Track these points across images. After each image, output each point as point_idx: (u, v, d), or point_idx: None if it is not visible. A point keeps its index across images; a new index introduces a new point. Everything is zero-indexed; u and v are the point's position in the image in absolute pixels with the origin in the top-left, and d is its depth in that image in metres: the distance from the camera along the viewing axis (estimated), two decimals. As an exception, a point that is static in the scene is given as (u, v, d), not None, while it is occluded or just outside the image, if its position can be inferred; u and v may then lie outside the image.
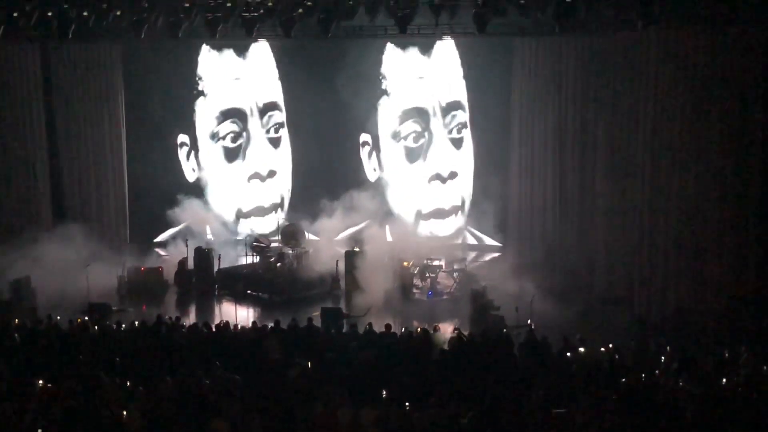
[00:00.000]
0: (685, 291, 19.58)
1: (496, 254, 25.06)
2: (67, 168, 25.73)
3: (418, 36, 22.41)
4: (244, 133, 26.44)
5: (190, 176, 26.62)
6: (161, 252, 25.69)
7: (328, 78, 24.19)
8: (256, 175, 26.59)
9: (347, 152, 25.77)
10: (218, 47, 25.83)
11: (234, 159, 26.56)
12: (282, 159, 26.71)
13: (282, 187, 26.84)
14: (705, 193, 19.29)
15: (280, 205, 26.76)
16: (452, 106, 25.35)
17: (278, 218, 25.78)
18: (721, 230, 19.18)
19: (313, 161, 25.65)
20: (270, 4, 18.85)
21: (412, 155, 25.78)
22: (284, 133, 26.57)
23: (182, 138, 26.47)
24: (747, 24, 18.16)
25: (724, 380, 13.37)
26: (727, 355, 14.93)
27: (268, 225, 26.13)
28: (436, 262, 22.10)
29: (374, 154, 26.06)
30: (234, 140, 26.42)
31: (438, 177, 25.64)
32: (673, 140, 19.64)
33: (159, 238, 26.19)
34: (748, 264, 19.07)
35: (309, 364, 14.24)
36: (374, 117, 25.65)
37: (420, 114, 25.56)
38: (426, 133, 25.58)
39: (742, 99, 18.73)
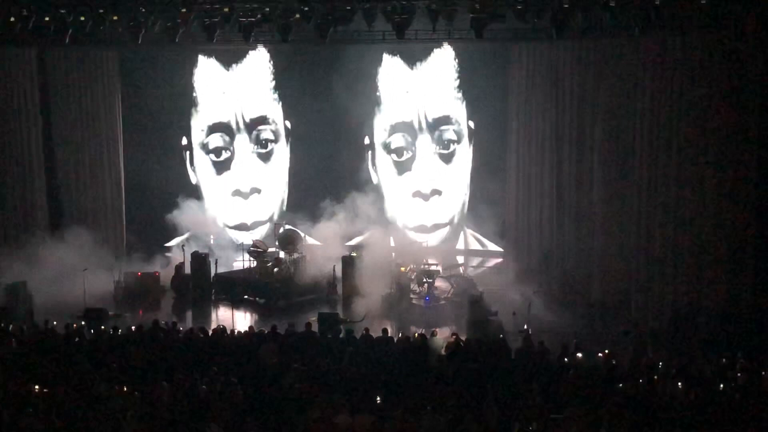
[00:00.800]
0: (683, 297, 19.59)
1: (494, 260, 25.06)
2: (64, 172, 25.69)
3: (416, 41, 22.35)
4: (231, 148, 26.41)
5: (193, 179, 26.68)
6: (168, 254, 25.58)
7: (326, 83, 24.18)
8: (237, 192, 26.46)
9: (345, 157, 25.68)
10: (214, 57, 25.81)
11: (222, 172, 26.50)
12: (272, 174, 26.56)
13: (270, 203, 26.69)
14: (702, 198, 19.32)
15: (268, 221, 26.59)
16: (442, 121, 25.27)
17: (252, 236, 25.52)
18: (718, 236, 19.19)
19: (310, 166, 25.57)
20: (267, 9, 18.85)
21: (401, 168, 25.76)
22: (276, 147, 26.47)
23: (185, 141, 26.51)
24: (742, 29, 18.18)
25: (722, 386, 13.36)
26: (724, 360, 14.93)
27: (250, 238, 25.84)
28: (433, 268, 22.08)
29: (373, 159, 26.10)
30: (218, 154, 26.36)
31: (419, 194, 25.52)
32: (671, 146, 19.69)
33: (169, 244, 26.15)
34: (746, 270, 19.07)
35: (306, 369, 14.21)
36: (371, 124, 25.68)
37: (407, 128, 25.49)
38: (413, 148, 25.53)
39: (739, 103, 18.75)
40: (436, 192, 25.47)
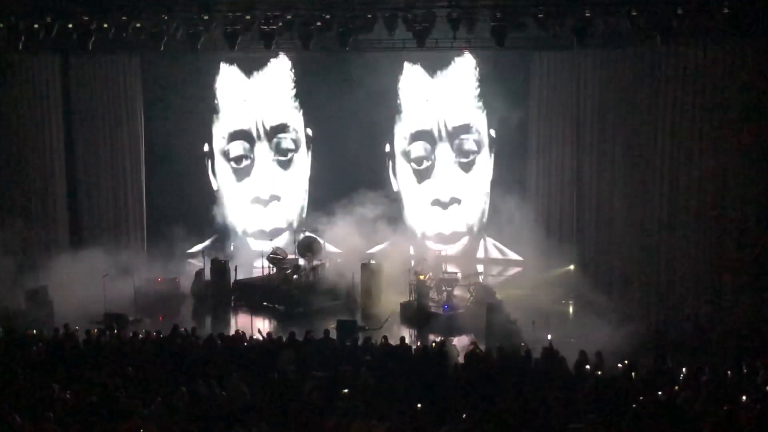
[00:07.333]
0: (703, 306, 19.43)
1: (514, 268, 25.00)
2: (85, 179, 25.90)
3: (437, 49, 22.39)
4: (251, 155, 26.53)
5: (215, 185, 26.85)
6: (192, 261, 25.64)
7: (347, 91, 24.19)
8: (257, 200, 26.68)
9: (365, 165, 25.70)
10: (237, 65, 25.96)
11: (242, 179, 26.69)
12: (291, 182, 26.71)
13: (289, 210, 26.82)
14: (723, 209, 19.19)
15: (287, 229, 26.67)
16: (461, 130, 25.35)
17: (273, 244, 25.32)
18: (739, 246, 19.03)
19: (330, 173, 25.64)
20: (289, 17, 18.93)
21: (420, 176, 25.80)
22: (296, 155, 26.59)
23: (206, 148, 26.69)
24: (764, 37, 18.08)
25: (744, 397, 13.23)
26: (745, 370, 14.78)
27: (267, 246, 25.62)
28: (452, 275, 22.02)
29: (393, 167, 26.18)
30: (238, 162, 26.52)
31: (438, 203, 25.63)
32: (692, 155, 19.61)
33: (192, 250, 26.22)
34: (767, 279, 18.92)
35: (324, 376, 14.20)
36: (392, 132, 25.76)
37: (427, 137, 25.56)
38: (432, 156, 25.58)
39: (760, 112, 18.61)
40: (455, 200, 25.54)
